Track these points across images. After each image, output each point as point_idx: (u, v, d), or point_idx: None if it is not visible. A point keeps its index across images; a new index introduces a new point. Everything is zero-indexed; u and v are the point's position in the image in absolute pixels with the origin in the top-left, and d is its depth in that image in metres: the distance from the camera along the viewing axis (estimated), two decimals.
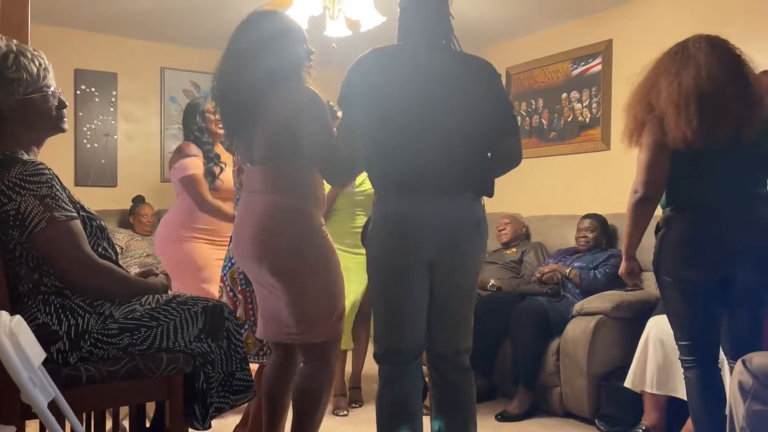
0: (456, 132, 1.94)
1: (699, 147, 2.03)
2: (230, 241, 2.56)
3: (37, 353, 1.35)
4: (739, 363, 1.77)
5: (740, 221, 2.08)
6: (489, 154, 2.03)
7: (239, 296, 2.42)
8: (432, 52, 2.01)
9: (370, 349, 2.18)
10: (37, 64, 1.71)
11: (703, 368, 2.16)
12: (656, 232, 2.24)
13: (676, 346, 2.24)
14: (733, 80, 2.06)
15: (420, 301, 1.97)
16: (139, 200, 4.74)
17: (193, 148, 3.02)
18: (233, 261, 2.45)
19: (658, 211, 2.27)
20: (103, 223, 1.79)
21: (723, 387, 2.17)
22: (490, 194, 2.04)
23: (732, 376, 1.82)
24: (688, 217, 2.14)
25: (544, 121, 4.74)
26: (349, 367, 3.45)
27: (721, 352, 2.21)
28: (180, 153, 3.03)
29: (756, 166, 2.15)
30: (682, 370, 2.24)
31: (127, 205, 4.75)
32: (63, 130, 1.81)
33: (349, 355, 3.43)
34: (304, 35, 2.13)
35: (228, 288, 2.48)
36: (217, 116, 2.99)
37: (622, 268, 2.33)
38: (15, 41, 1.72)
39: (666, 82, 2.09)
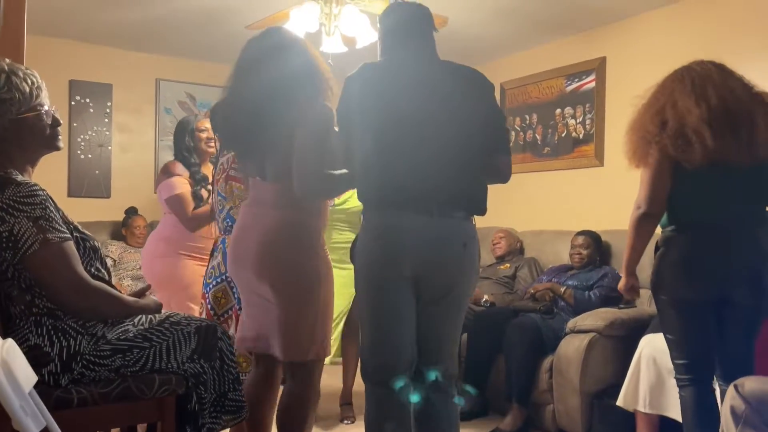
0: (447, 148, 1.92)
1: (720, 166, 2.05)
2: (210, 257, 2.55)
3: (28, 377, 1.34)
4: (731, 388, 1.77)
5: (741, 242, 2.10)
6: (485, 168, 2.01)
7: (231, 314, 2.39)
8: (421, 64, 2.00)
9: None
10: (30, 83, 1.70)
11: (698, 387, 2.16)
12: (655, 251, 2.24)
13: (671, 365, 2.24)
14: (753, 101, 2.11)
15: (406, 316, 1.96)
16: (131, 212, 4.72)
17: (179, 167, 3.01)
18: (219, 280, 2.43)
19: (658, 230, 2.28)
20: (96, 243, 1.78)
21: (717, 407, 2.15)
22: (482, 213, 2.02)
23: (724, 401, 1.82)
24: (689, 237, 2.14)
25: (538, 137, 4.77)
26: (340, 383, 3.44)
27: None
28: (166, 173, 3.03)
29: (761, 188, 2.15)
30: (675, 389, 2.25)
31: (121, 216, 4.73)
32: (58, 149, 1.81)
33: (339, 370, 3.42)
34: (309, 52, 2.08)
35: (209, 306, 2.44)
36: (208, 134, 2.99)
37: (622, 283, 2.34)
38: (7, 60, 1.72)
39: (691, 102, 2.08)
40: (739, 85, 2.14)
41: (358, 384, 3.35)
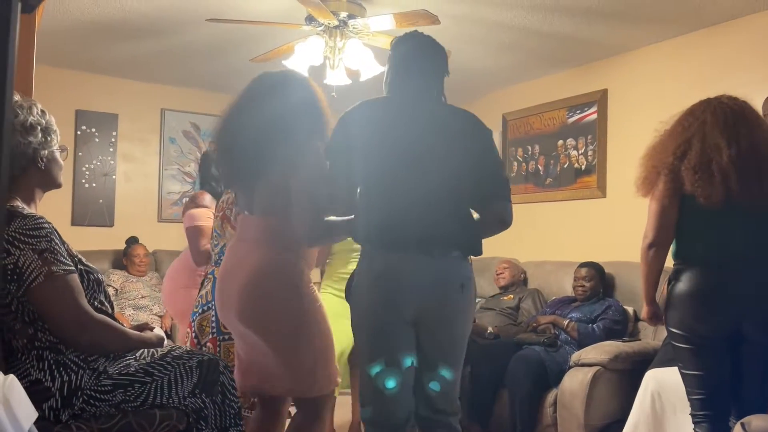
0: (442, 189, 1.90)
1: (738, 209, 2.05)
2: (201, 287, 2.54)
3: (29, 414, 1.32)
4: (738, 426, 1.75)
5: (750, 278, 2.08)
6: (477, 215, 1.98)
7: (209, 345, 2.37)
8: (421, 105, 1.98)
9: None
10: (48, 117, 1.75)
11: (714, 425, 2.13)
12: (668, 284, 2.23)
13: (676, 400, 2.22)
14: None
15: (402, 364, 1.92)
16: (132, 241, 4.70)
17: (207, 198, 3.01)
18: (205, 308, 2.42)
19: (669, 263, 2.27)
20: (100, 276, 1.78)
21: None
22: (477, 254, 1.98)
23: None
24: (698, 272, 2.13)
25: (540, 167, 4.79)
26: (348, 415, 3.40)
27: None
28: (192, 202, 3.04)
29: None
30: (681, 425, 2.22)
31: (123, 245, 4.73)
32: (61, 185, 1.85)
33: (348, 401, 3.38)
34: (315, 96, 2.05)
35: (193, 335, 2.43)
36: None
37: (645, 313, 2.34)
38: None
39: (722, 140, 2.08)
40: (766, 128, 2.14)
41: None
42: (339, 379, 2.10)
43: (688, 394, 2.19)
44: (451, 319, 1.92)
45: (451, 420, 1.98)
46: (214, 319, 2.38)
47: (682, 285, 2.15)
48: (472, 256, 2.00)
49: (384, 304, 1.90)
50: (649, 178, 2.21)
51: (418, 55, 2.02)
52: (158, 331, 1.90)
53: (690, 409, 2.19)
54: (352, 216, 1.97)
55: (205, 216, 2.93)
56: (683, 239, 2.17)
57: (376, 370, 1.93)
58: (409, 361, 1.93)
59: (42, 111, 1.73)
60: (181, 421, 1.72)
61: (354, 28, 3.21)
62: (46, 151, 1.72)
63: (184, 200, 5.28)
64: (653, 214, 2.17)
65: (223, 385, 1.82)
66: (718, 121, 2.12)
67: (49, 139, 1.73)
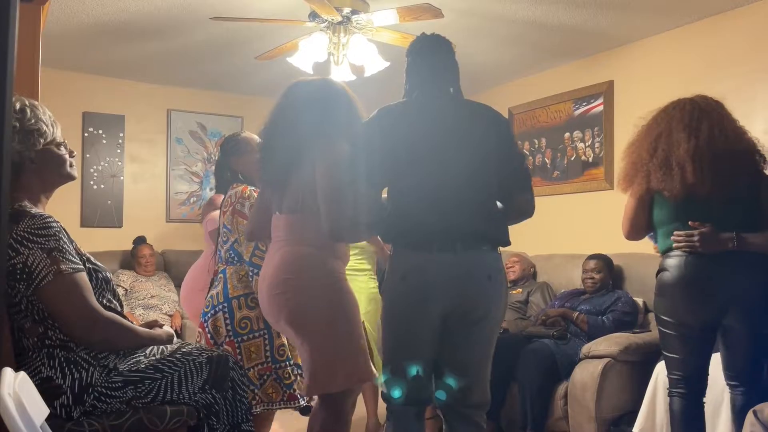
0: (467, 187, 1.92)
1: (695, 200, 2.15)
2: (210, 287, 2.55)
3: (40, 411, 1.33)
4: (750, 414, 1.76)
5: (732, 268, 2.14)
6: (500, 205, 2.01)
7: (227, 348, 2.37)
8: (441, 105, 2.00)
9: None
10: (48, 115, 1.74)
11: (688, 399, 2.23)
12: (656, 274, 2.31)
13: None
14: (741, 143, 2.21)
15: (430, 354, 1.95)
16: (138, 241, 4.72)
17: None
18: (216, 309, 2.43)
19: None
20: (108, 274, 1.79)
21: (703, 419, 2.26)
22: (505, 244, 2.02)
23: (744, 428, 1.80)
24: (682, 263, 2.19)
25: (547, 160, 4.77)
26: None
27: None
28: (211, 205, 3.05)
29: (748, 215, 2.20)
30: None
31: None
32: (74, 178, 1.83)
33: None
34: (351, 101, 2.11)
35: (209, 335, 2.43)
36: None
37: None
38: (23, 97, 1.75)
39: (683, 135, 2.17)
40: (732, 126, 2.22)
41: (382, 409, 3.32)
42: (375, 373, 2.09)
43: (668, 372, 2.30)
44: (478, 309, 1.92)
45: (474, 413, 1.99)
46: (228, 320, 2.39)
47: (668, 276, 2.23)
48: (501, 248, 2.02)
49: (410, 302, 1.92)
50: (628, 175, 2.33)
51: (432, 56, 2.04)
52: (168, 329, 1.91)
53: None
54: (379, 215, 2.00)
55: None
56: (660, 233, 2.29)
57: (384, 377, 1.96)
58: (430, 355, 1.94)
59: (22, 109, 1.69)
60: (192, 417, 1.73)
61: (358, 23, 3.21)
62: (32, 153, 1.69)
63: (192, 200, 5.33)
64: (626, 211, 2.34)
65: (234, 381, 1.83)
66: (684, 117, 2.21)
67: (31, 139, 1.68)
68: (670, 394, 2.28)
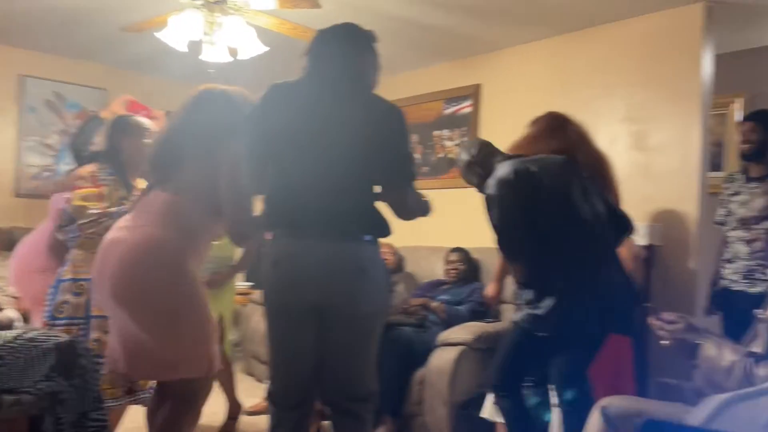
0: (347, 174, 1.88)
1: None
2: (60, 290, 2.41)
3: None
4: (596, 413, 1.86)
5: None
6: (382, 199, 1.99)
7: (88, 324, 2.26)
8: (333, 90, 1.94)
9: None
10: None
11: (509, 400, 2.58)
12: None
13: None
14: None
15: (306, 346, 1.94)
16: None
17: None
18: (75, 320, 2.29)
19: None
20: None
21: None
22: (384, 235, 2.00)
23: (589, 421, 1.90)
24: None
25: (418, 156, 4.93)
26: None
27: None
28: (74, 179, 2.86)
29: None
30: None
31: None
32: None
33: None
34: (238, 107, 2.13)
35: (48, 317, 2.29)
36: None
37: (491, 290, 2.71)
38: None
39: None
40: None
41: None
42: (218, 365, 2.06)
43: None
44: (355, 301, 1.89)
45: (356, 406, 1.98)
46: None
47: None
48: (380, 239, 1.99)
49: (281, 288, 1.91)
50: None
51: (332, 42, 1.99)
52: (9, 312, 1.79)
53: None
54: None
55: None
56: None
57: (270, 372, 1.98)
58: (309, 345, 1.94)
59: None
60: (34, 406, 1.64)
61: (234, 4, 3.14)
62: None
63: (46, 174, 4.94)
64: None
65: (84, 368, 1.75)
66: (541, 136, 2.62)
67: None
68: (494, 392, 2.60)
